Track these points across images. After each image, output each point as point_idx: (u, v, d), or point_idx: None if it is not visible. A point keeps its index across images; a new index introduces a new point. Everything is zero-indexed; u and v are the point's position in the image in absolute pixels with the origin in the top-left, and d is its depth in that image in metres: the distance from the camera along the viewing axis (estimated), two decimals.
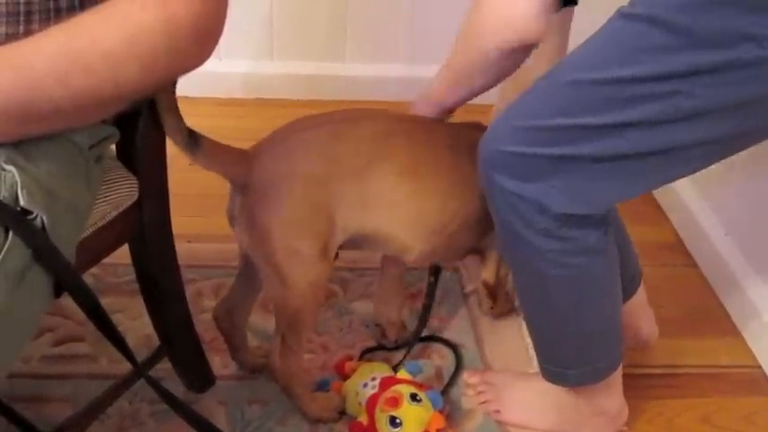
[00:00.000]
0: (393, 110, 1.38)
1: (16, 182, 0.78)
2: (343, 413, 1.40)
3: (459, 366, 1.51)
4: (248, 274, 1.36)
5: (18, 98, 0.77)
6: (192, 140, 1.11)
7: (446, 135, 1.33)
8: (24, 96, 0.77)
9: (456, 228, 1.33)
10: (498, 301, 1.60)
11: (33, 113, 0.79)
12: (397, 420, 1.30)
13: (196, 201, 1.92)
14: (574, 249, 1.16)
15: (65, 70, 0.78)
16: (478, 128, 1.34)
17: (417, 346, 1.54)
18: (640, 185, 1.16)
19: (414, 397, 1.33)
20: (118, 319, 1.52)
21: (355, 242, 1.28)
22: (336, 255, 1.28)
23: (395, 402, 1.32)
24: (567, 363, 1.29)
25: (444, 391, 1.44)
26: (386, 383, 1.35)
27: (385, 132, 1.28)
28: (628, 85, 1.01)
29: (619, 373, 1.31)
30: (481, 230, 1.37)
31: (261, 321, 1.57)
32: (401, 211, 1.27)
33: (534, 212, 1.12)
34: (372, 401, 1.33)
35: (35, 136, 0.83)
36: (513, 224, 1.15)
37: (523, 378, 1.46)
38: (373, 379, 1.37)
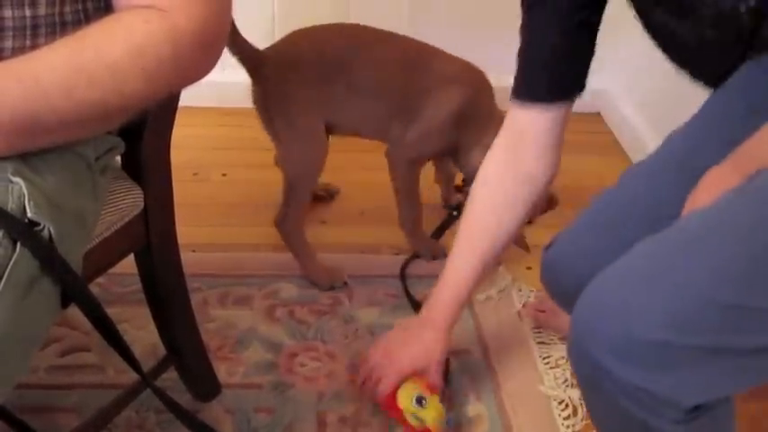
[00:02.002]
0: None
1: (24, 194, 0.79)
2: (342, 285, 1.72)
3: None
4: None
5: (25, 111, 0.77)
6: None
7: (402, 52, 1.72)
8: (31, 109, 0.78)
9: (384, 120, 1.72)
10: (402, 213, 1.79)
11: (40, 126, 0.80)
12: (424, 401, 1.31)
13: (201, 210, 1.93)
14: (702, 428, 0.94)
15: (70, 83, 0.79)
16: (444, 55, 1.74)
17: None
18: None
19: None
20: (124, 328, 1.52)
21: (332, 126, 1.71)
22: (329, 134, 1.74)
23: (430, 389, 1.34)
24: None
25: (446, 389, 1.45)
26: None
27: (351, 52, 1.68)
28: None
29: None
30: (400, 124, 1.71)
31: (267, 330, 1.58)
32: (352, 109, 1.70)
33: (661, 405, 0.90)
34: None
35: (41, 148, 0.83)
36: (624, 411, 0.92)
37: None
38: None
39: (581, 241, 1.23)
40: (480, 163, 1.39)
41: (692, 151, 1.13)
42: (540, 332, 1.63)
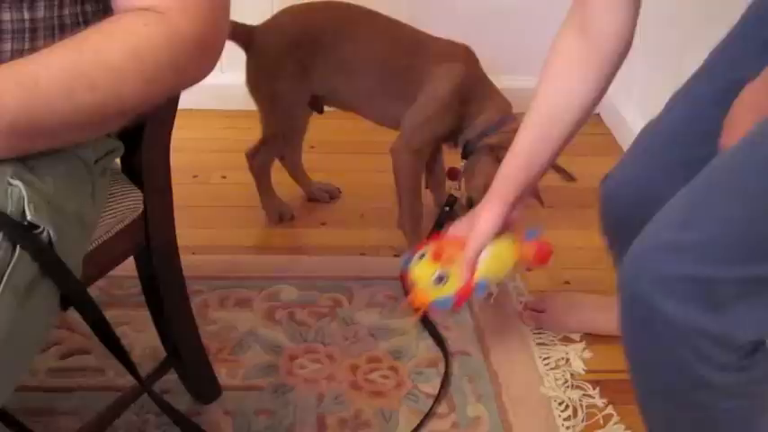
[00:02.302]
0: None
1: (23, 196, 0.78)
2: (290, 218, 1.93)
3: (446, 358, 1.54)
4: None
5: (24, 114, 0.77)
6: None
7: (395, 32, 1.81)
8: (31, 112, 0.78)
9: (379, 99, 1.81)
10: (403, 209, 1.81)
11: (40, 129, 0.80)
12: (444, 279, 1.20)
13: (201, 212, 1.93)
14: (754, 379, 0.96)
15: (70, 86, 0.79)
16: (441, 40, 1.81)
17: (422, 355, 1.54)
18: None
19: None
20: (124, 331, 1.52)
21: (322, 98, 1.84)
22: (321, 109, 1.88)
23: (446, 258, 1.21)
24: None
25: (441, 391, 1.45)
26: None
27: (343, 26, 1.78)
28: None
29: None
30: (399, 106, 1.77)
31: (267, 332, 1.58)
32: (350, 85, 1.79)
33: (714, 346, 0.91)
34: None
35: (41, 151, 0.83)
36: (676, 358, 0.94)
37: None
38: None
39: (629, 171, 1.28)
40: (481, 134, 1.73)
41: (729, 64, 1.15)
42: (540, 333, 1.63)
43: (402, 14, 1.85)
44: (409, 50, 1.79)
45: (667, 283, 0.91)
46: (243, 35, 1.77)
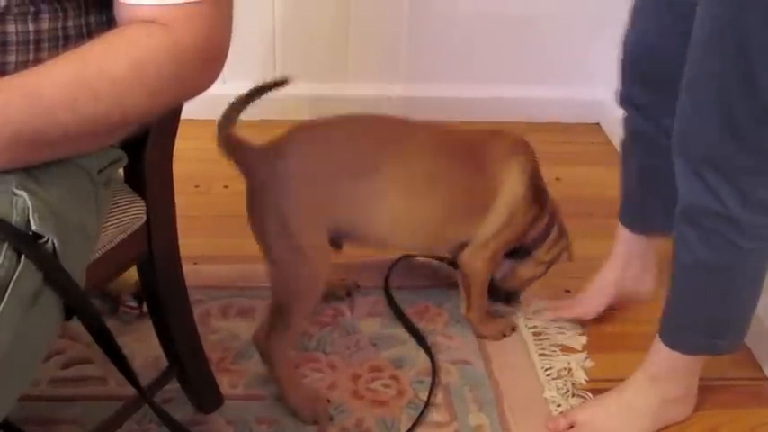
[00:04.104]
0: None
1: (28, 206, 0.79)
2: (331, 418, 1.43)
3: (434, 366, 1.54)
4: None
5: (29, 126, 0.78)
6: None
7: (442, 138, 1.50)
8: (35, 124, 0.78)
9: (440, 228, 1.50)
10: (473, 304, 1.61)
11: (44, 140, 0.80)
12: None
13: (203, 222, 1.94)
14: None
15: (74, 97, 0.80)
16: (491, 132, 1.56)
17: (423, 364, 1.55)
18: None
19: None
20: (126, 341, 1.52)
21: (343, 235, 1.45)
22: (341, 246, 1.48)
23: None
24: (722, 332, 1.36)
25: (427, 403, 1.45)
26: None
27: (379, 141, 1.43)
28: None
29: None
30: (469, 226, 1.52)
31: None
32: (387, 216, 1.43)
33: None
34: None
35: (45, 161, 0.84)
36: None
37: (604, 402, 1.46)
38: None
39: (637, 25, 1.41)
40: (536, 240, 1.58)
41: None
42: (541, 342, 1.63)
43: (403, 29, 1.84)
44: (467, 158, 1.49)
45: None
46: (245, 157, 1.39)
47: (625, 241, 1.63)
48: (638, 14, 1.40)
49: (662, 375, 1.41)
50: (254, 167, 1.38)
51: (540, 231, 1.59)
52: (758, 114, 1.13)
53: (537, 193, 1.53)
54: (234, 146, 1.38)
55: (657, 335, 1.40)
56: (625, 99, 1.48)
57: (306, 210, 1.36)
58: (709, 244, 1.24)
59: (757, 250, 1.25)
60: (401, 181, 1.41)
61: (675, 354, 1.38)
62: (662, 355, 1.40)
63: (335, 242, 1.45)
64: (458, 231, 1.52)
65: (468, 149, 1.50)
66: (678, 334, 1.38)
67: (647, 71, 1.41)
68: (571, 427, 1.43)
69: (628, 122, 1.50)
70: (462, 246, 1.55)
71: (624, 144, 1.55)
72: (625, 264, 1.64)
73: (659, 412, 1.43)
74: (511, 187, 1.49)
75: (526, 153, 1.53)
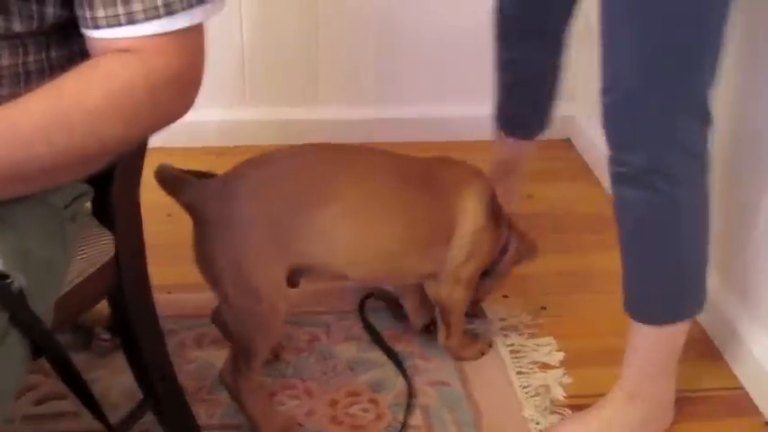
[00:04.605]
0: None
1: None
2: None
3: (410, 389, 1.53)
4: None
5: (6, 162, 0.77)
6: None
7: (398, 166, 1.45)
8: (11, 158, 0.78)
9: (402, 257, 1.44)
10: (453, 332, 1.59)
11: (20, 174, 0.80)
12: None
13: (175, 251, 1.91)
14: (703, 166, 1.25)
15: (50, 131, 0.79)
16: (443, 159, 1.51)
17: (401, 387, 1.54)
18: None
19: None
20: (101, 373, 1.51)
21: (300, 271, 1.39)
22: (298, 283, 1.43)
23: None
24: (677, 296, 1.37)
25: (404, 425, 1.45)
26: None
27: (333, 170, 1.38)
28: None
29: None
30: (432, 257, 1.47)
31: None
32: (347, 246, 1.38)
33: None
34: None
35: (18, 196, 0.83)
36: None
37: (584, 420, 1.46)
38: None
39: None
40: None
41: None
42: (518, 359, 1.63)
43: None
44: (423, 186, 1.44)
45: None
46: (189, 193, 1.30)
47: (501, 148, 1.85)
48: None
49: (639, 391, 1.42)
50: (200, 205, 1.30)
51: (500, 246, 1.58)
52: (675, 54, 1.16)
53: (496, 217, 1.52)
54: (175, 179, 1.31)
55: (626, 350, 1.41)
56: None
57: (261, 249, 1.30)
58: (646, 199, 1.25)
59: (689, 198, 1.26)
60: (358, 210, 1.36)
61: (648, 360, 1.40)
62: (633, 368, 1.41)
63: (292, 280, 1.39)
64: (421, 263, 1.47)
65: (423, 177, 1.45)
66: (639, 304, 1.38)
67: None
68: None
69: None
70: (429, 276, 1.52)
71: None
72: (502, 174, 1.83)
73: (639, 429, 1.44)
74: (471, 218, 1.46)
75: (480, 179, 1.51)
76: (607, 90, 1.23)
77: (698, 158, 1.24)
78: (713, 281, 1.71)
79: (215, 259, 1.30)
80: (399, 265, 1.46)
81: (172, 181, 1.30)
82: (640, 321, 1.37)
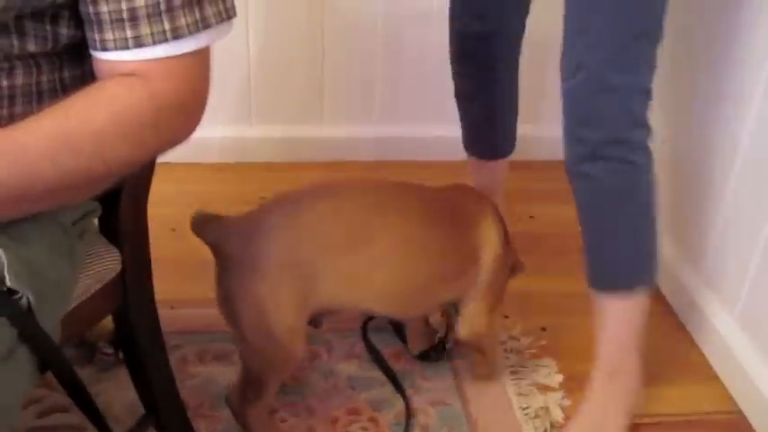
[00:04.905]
0: (368, 175, 1.45)
1: (3, 262, 0.80)
2: None
3: (408, 409, 1.54)
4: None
5: (13, 182, 0.79)
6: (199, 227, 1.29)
7: (422, 201, 1.42)
8: (19, 180, 0.79)
9: (431, 291, 1.43)
10: (490, 359, 1.60)
11: (27, 196, 0.81)
12: None
13: (178, 267, 1.93)
14: (650, 135, 1.39)
15: (56, 152, 0.81)
16: (459, 189, 1.51)
17: (402, 406, 1.55)
18: None
19: None
20: (104, 387, 1.52)
21: (329, 312, 1.38)
22: (321, 323, 1.42)
23: None
24: (633, 266, 1.48)
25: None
26: None
27: (361, 212, 1.33)
28: None
29: None
30: (458, 287, 1.45)
31: None
32: (378, 288, 1.35)
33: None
34: None
35: (25, 216, 0.85)
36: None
37: (581, 421, 1.52)
38: None
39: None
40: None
41: None
42: (518, 381, 1.64)
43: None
44: (450, 218, 1.42)
45: None
46: (216, 231, 1.27)
47: (476, 172, 1.92)
48: None
49: (616, 367, 1.50)
50: (225, 243, 1.26)
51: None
52: (637, 41, 1.31)
53: (507, 242, 1.52)
54: (203, 219, 1.29)
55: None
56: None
57: (283, 294, 1.25)
58: (606, 169, 1.38)
59: (644, 164, 1.39)
60: (389, 252, 1.32)
61: (618, 335, 1.50)
62: (606, 347, 1.50)
63: (315, 320, 1.38)
64: (447, 294, 1.46)
65: (445, 210, 1.43)
66: (601, 275, 1.49)
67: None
68: None
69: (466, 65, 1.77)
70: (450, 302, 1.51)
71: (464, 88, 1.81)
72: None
73: (628, 405, 1.51)
74: (493, 247, 1.45)
75: (492, 208, 1.50)
76: (573, 73, 1.34)
77: (646, 128, 1.38)
78: (712, 305, 1.73)
79: (236, 298, 1.26)
80: (427, 299, 1.45)
81: (200, 222, 1.29)
82: (605, 291, 1.48)
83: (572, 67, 1.34)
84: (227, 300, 1.28)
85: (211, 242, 1.27)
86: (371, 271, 1.31)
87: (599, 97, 1.34)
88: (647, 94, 1.36)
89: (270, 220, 1.27)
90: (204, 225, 1.28)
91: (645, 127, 1.38)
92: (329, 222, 1.29)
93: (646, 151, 1.40)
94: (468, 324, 1.50)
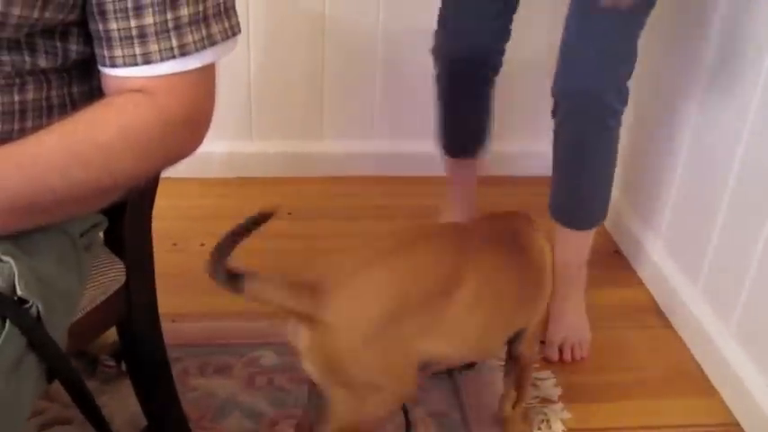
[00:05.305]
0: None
1: (14, 272, 0.81)
2: None
3: (407, 420, 1.51)
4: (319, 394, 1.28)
5: (23, 194, 0.81)
6: (233, 281, 1.14)
7: (487, 235, 1.38)
8: (29, 192, 0.81)
9: (512, 323, 1.40)
10: (526, 395, 1.55)
11: (37, 207, 0.83)
12: None
13: (180, 280, 1.94)
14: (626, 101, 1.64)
15: (65, 165, 0.83)
16: (509, 215, 1.47)
17: (402, 417, 1.56)
18: None
19: None
20: (105, 399, 1.52)
21: (427, 366, 1.33)
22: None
23: None
24: (591, 207, 1.77)
25: None
26: None
27: (446, 263, 1.27)
28: None
29: None
30: (530, 309, 1.42)
31: (248, 399, 1.59)
32: (470, 336, 1.30)
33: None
34: None
35: (34, 227, 0.86)
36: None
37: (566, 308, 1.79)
38: None
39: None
40: None
41: None
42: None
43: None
44: (517, 246, 1.39)
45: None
46: (308, 300, 1.14)
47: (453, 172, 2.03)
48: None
49: (585, 257, 1.80)
50: (318, 309, 1.15)
51: None
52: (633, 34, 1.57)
53: None
54: (261, 288, 1.16)
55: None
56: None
57: (392, 350, 1.19)
58: (585, 129, 1.63)
59: (616, 126, 1.64)
60: (482, 296, 1.27)
61: (575, 258, 1.78)
62: (571, 241, 1.77)
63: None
64: (522, 319, 1.42)
65: (508, 238, 1.39)
66: (567, 213, 1.76)
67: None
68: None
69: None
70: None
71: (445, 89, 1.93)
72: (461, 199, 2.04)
73: (583, 302, 1.83)
74: (550, 267, 1.43)
75: (541, 227, 1.47)
76: (570, 48, 1.57)
77: (624, 94, 1.60)
78: (710, 318, 1.75)
79: (344, 365, 1.18)
80: (509, 332, 1.41)
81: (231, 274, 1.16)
82: (568, 227, 1.75)
83: (570, 41, 1.57)
84: (325, 364, 1.18)
85: (304, 313, 1.15)
86: (469, 318, 1.27)
87: (593, 74, 1.57)
88: (631, 68, 1.59)
89: (361, 280, 1.19)
90: (268, 294, 1.15)
91: (622, 92, 1.60)
92: (416, 277, 1.23)
93: (620, 115, 1.63)
94: (526, 347, 1.46)
